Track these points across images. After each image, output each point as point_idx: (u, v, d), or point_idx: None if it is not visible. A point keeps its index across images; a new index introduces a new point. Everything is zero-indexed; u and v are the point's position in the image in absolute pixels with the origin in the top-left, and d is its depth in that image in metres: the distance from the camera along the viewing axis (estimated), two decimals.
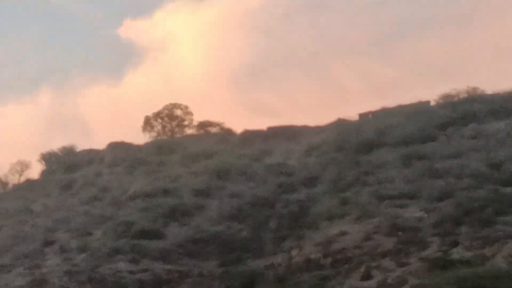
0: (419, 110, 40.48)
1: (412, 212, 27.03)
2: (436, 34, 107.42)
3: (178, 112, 55.37)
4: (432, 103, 45.07)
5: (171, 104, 55.61)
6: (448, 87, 44.78)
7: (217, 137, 52.75)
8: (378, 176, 32.51)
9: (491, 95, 42.94)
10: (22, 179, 60.32)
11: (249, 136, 49.77)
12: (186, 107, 57.38)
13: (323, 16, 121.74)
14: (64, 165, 52.55)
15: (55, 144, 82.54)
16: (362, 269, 23.14)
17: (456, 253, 22.52)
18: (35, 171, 58.42)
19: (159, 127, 54.96)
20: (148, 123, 55.33)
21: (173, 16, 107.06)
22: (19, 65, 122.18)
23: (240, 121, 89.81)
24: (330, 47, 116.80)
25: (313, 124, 44.56)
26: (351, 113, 44.26)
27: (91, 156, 55.49)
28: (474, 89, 47.80)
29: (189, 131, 56.48)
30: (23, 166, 61.20)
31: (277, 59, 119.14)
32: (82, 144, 56.05)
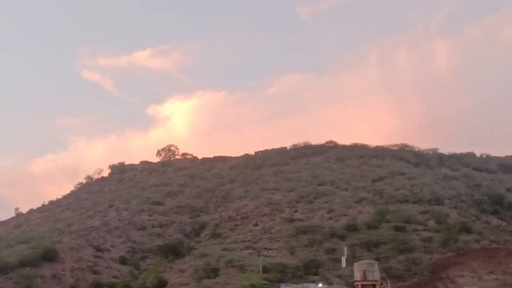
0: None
1: (277, 196, 55.49)
2: None
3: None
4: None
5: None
6: None
7: None
8: (262, 179, 60.91)
9: None
10: None
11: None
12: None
13: None
14: None
15: None
16: (254, 221, 50.46)
17: (297, 215, 50.34)
18: None
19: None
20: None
21: None
22: None
23: None
24: None
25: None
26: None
27: None
28: None
29: None
30: None
31: None
32: None
